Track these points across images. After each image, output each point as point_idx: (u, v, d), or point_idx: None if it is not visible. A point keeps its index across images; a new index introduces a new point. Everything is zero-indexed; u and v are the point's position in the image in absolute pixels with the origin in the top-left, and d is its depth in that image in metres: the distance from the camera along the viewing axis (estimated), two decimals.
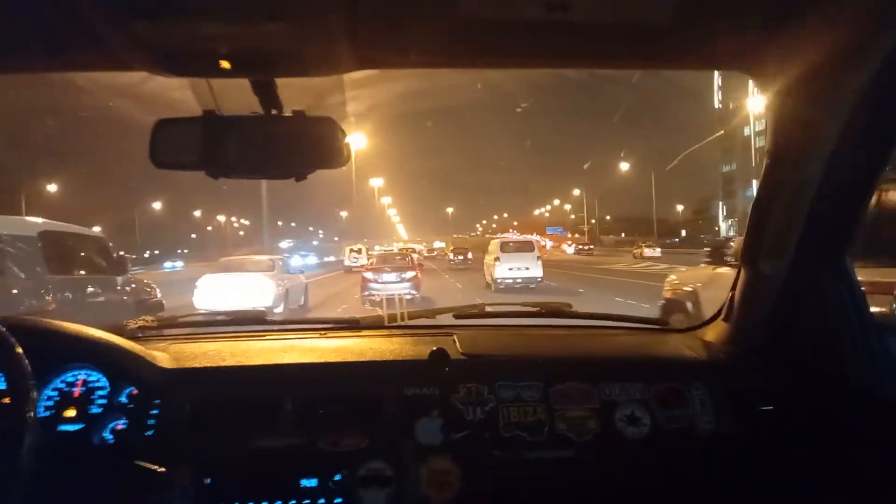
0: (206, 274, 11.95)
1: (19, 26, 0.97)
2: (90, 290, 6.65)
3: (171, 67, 1.00)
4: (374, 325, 1.73)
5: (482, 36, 1.05)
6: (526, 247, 17.38)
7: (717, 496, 1.32)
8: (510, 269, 16.08)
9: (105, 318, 6.24)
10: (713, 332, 1.56)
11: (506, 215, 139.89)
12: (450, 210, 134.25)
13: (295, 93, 1.12)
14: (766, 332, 1.39)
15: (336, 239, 70.33)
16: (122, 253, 7.89)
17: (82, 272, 6.73)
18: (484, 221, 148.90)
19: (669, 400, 1.35)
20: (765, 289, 1.36)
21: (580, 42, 1.09)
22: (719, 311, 1.55)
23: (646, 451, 1.32)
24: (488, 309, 1.85)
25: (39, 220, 6.48)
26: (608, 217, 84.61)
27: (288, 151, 1.13)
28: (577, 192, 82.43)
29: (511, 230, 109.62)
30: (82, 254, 6.90)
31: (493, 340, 1.63)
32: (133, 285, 7.86)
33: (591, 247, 52.80)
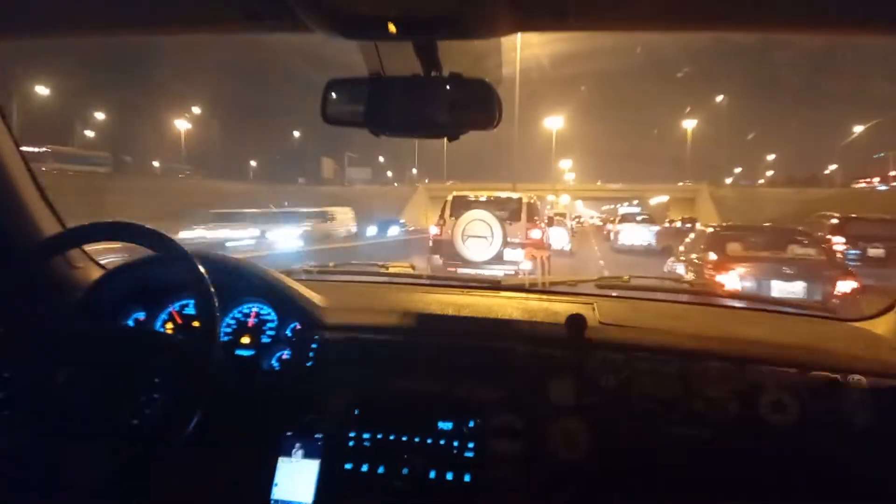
0: None
1: None
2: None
3: (346, 30, 1.07)
4: (515, 287, 1.76)
5: None
6: None
7: (863, 499, 1.21)
8: None
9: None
10: (885, 325, 1.41)
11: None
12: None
13: (453, 55, 1.16)
14: None
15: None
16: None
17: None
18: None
19: (823, 391, 1.25)
20: None
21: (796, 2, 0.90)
22: (893, 303, 1.39)
23: (789, 441, 1.24)
24: (634, 282, 1.79)
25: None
26: None
27: (444, 112, 1.18)
28: None
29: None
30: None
31: (635, 312, 1.59)
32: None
33: None
